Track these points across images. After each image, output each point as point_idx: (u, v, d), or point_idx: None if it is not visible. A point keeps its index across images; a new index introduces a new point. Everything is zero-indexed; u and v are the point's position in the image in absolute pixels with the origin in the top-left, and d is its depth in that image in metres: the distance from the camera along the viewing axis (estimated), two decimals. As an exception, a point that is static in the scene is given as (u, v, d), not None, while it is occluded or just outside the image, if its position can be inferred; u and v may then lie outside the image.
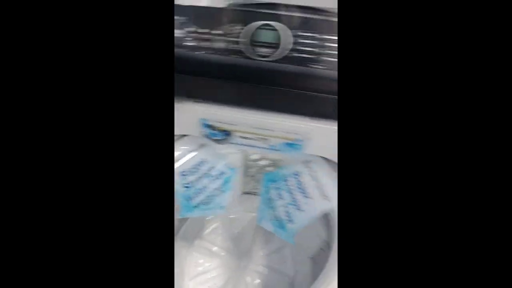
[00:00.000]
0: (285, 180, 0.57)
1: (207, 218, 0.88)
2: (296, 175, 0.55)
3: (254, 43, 0.44)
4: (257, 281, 0.78)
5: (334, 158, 0.51)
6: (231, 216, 0.90)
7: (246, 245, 0.85)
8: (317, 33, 0.43)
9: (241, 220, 0.90)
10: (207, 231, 0.87)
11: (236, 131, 0.51)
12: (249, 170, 0.82)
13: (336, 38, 0.42)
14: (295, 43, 0.43)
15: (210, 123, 0.50)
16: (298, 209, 0.53)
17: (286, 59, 0.44)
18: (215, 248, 0.84)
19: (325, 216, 0.59)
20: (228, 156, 0.65)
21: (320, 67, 0.43)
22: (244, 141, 0.52)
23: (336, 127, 0.46)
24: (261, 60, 0.44)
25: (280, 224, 0.56)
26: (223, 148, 0.60)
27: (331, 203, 0.49)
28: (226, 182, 0.62)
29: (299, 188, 0.54)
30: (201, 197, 0.59)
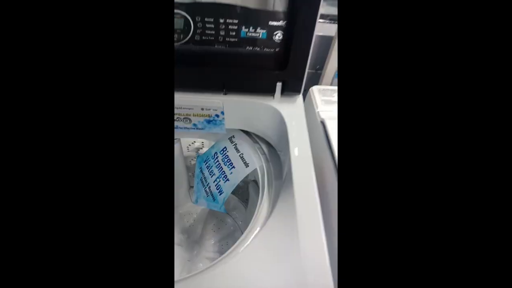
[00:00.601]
0: (215, 158, 0.62)
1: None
2: (223, 150, 0.61)
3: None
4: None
5: (248, 129, 0.58)
6: (180, 212, 0.92)
7: (197, 236, 0.88)
8: (220, 17, 0.49)
9: (192, 213, 0.93)
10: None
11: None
12: (191, 161, 0.86)
13: (234, 21, 0.49)
14: (201, 27, 0.49)
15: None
16: (226, 180, 0.58)
17: (194, 41, 0.50)
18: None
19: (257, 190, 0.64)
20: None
21: (223, 47, 0.50)
22: (170, 123, 0.56)
23: (243, 99, 0.53)
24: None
25: (212, 198, 0.60)
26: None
27: (250, 168, 0.54)
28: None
29: (227, 161, 0.59)
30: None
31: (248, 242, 0.42)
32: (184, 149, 0.82)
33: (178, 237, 0.87)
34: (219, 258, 0.40)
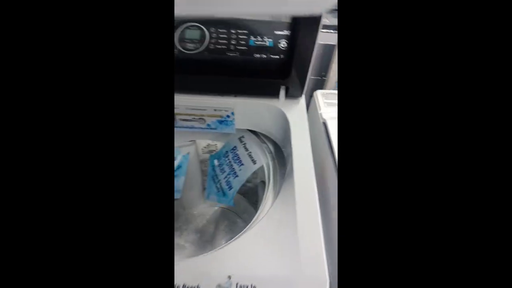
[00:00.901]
0: (226, 156, 0.67)
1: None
2: (234, 149, 0.66)
3: (182, 39, 0.56)
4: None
5: (256, 128, 0.62)
6: (194, 213, 0.97)
7: (209, 236, 0.92)
8: (231, 28, 0.55)
9: (205, 214, 0.97)
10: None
11: (177, 114, 0.61)
12: (205, 165, 0.91)
13: (244, 31, 0.55)
14: (215, 37, 0.56)
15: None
16: (235, 176, 0.62)
17: (208, 50, 0.56)
18: (181, 243, 0.90)
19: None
20: (182, 148, 0.74)
21: (234, 54, 0.56)
22: (185, 123, 0.62)
23: (251, 101, 0.58)
24: (189, 53, 0.56)
25: (223, 193, 0.65)
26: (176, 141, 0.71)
27: (257, 165, 0.59)
28: (178, 167, 0.71)
29: (236, 159, 0.64)
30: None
31: (250, 230, 0.45)
32: (199, 152, 0.87)
33: (191, 236, 0.92)
34: (219, 247, 0.43)
